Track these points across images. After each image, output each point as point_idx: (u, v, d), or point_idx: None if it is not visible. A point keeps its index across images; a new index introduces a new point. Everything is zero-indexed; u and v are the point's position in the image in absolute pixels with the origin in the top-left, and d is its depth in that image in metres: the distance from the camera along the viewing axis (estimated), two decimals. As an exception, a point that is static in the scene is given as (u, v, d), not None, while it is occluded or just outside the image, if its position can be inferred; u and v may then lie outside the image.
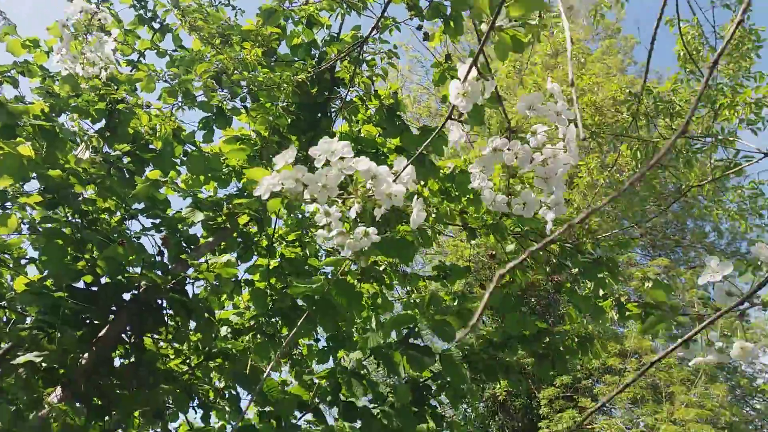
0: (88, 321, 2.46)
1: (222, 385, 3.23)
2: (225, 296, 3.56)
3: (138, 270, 2.55)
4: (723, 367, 11.69)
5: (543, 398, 11.26)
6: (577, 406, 10.89)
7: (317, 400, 2.09)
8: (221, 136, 3.32)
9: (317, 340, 3.34)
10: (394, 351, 2.15)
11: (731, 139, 3.97)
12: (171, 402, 2.69)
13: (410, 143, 3.15)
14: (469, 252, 10.94)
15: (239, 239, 3.20)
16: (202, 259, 2.67)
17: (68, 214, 2.47)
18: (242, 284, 3.40)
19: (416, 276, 3.43)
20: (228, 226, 2.77)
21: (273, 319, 3.01)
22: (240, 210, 2.66)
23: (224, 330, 3.16)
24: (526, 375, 12.12)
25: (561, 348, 3.68)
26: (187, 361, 3.02)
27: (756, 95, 4.04)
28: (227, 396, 3.16)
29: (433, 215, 2.92)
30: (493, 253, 3.05)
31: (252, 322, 3.10)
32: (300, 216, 3.17)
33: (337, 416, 2.30)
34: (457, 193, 2.97)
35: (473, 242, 3.25)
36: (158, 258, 2.70)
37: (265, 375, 2.18)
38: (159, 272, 2.50)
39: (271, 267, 3.24)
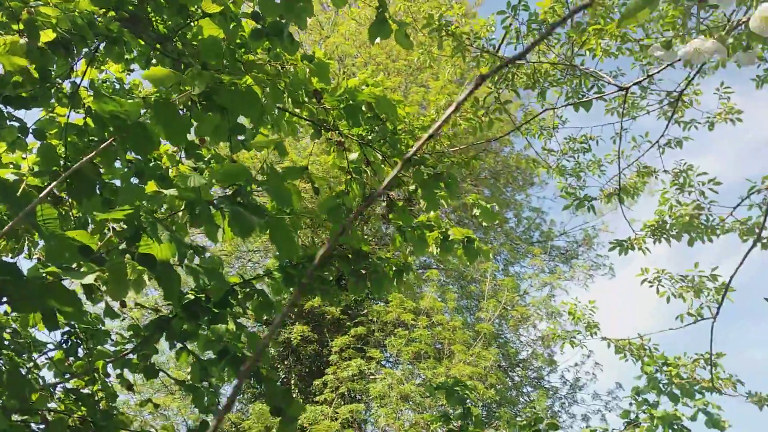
0: None
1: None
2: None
3: None
4: (496, 337, 12.94)
5: (335, 346, 11.49)
6: (366, 356, 11.31)
7: (108, 249, 1.70)
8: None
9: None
10: (217, 208, 1.82)
11: (591, 70, 4.17)
12: None
13: (269, 10, 2.77)
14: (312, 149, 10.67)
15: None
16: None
17: None
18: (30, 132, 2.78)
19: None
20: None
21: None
22: (44, 20, 2.09)
23: None
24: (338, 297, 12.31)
25: (379, 272, 3.60)
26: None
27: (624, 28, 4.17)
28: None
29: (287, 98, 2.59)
30: (341, 140, 2.83)
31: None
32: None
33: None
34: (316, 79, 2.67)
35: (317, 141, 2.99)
36: None
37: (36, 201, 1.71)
38: None
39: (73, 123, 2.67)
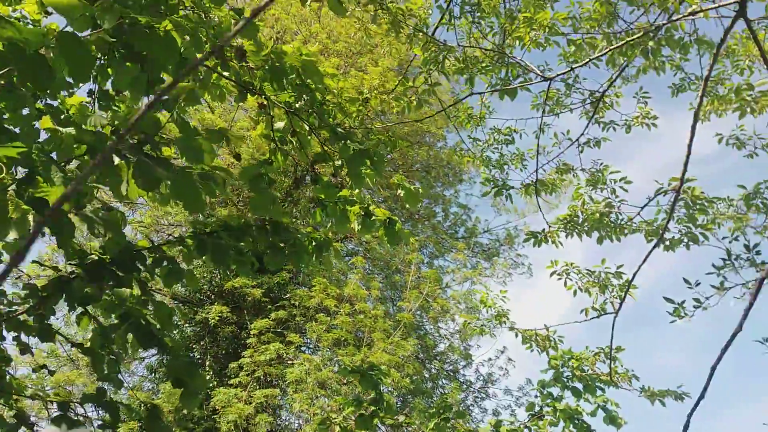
0: None
1: None
2: None
3: None
4: (416, 328, 13.11)
5: (254, 329, 11.29)
6: (285, 341, 11.17)
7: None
8: None
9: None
10: (121, 157, 1.70)
11: (520, 60, 4.22)
12: None
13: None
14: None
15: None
16: None
17: None
18: None
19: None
20: None
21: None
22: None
23: None
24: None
25: (298, 245, 3.53)
26: None
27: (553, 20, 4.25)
28: None
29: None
30: (264, 103, 2.73)
31: None
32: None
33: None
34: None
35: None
36: None
37: None
38: None
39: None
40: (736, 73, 3.83)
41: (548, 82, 3.39)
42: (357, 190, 3.21)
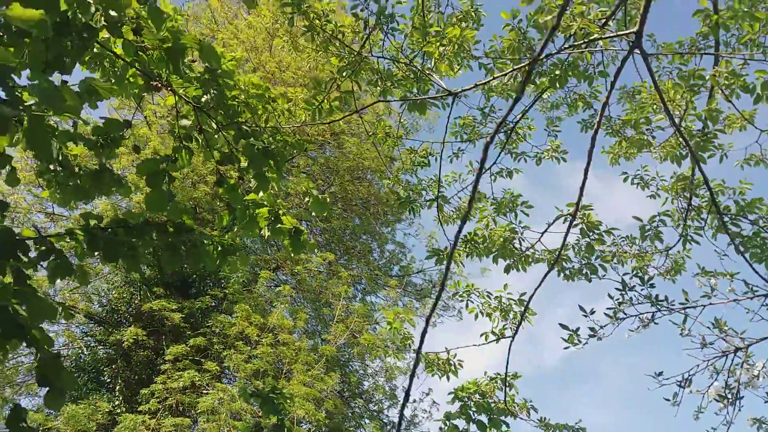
0: None
1: None
2: None
3: None
4: (342, 365, 12.85)
5: (169, 354, 10.78)
6: (202, 369, 10.70)
7: None
8: None
9: None
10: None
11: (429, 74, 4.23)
12: None
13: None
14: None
15: None
16: None
17: None
18: None
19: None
20: None
21: None
22: None
23: None
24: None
25: (199, 246, 3.38)
26: None
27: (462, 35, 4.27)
28: None
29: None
30: (158, 85, 2.62)
31: None
32: None
33: None
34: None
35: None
36: None
37: None
38: None
39: None
40: (642, 115, 4.01)
41: (455, 99, 3.43)
42: (264, 194, 3.11)
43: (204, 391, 10.65)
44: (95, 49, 2.49)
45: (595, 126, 3.11)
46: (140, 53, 2.42)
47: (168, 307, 11.29)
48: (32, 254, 3.09)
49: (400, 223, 15.95)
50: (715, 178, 4.70)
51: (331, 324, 11.95)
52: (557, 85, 3.92)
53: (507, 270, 4.66)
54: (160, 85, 2.57)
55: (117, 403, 11.71)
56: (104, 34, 2.34)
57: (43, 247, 3.20)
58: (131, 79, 3.13)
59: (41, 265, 3.21)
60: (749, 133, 4.74)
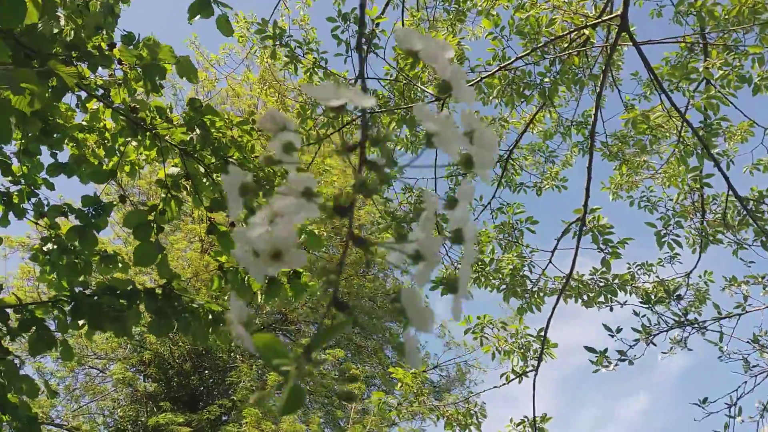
0: None
1: None
2: None
3: None
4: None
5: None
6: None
7: None
8: None
9: None
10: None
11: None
12: None
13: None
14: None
15: None
16: None
17: None
18: None
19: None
20: None
21: None
22: None
23: None
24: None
25: (188, 313, 3.20)
26: None
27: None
28: None
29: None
30: (135, 107, 2.55)
31: None
32: None
33: None
34: None
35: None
36: None
37: None
38: None
39: None
40: (640, 113, 3.86)
41: (442, 101, 3.34)
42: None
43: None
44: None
45: (591, 127, 3.01)
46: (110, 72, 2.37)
47: (175, 421, 10.75)
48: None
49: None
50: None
51: (347, 426, 11.30)
52: (547, 97, 3.84)
53: (521, 312, 4.36)
54: (136, 106, 2.52)
55: None
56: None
57: (26, 316, 3.03)
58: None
59: (22, 337, 3.03)
60: (756, 136, 4.52)
